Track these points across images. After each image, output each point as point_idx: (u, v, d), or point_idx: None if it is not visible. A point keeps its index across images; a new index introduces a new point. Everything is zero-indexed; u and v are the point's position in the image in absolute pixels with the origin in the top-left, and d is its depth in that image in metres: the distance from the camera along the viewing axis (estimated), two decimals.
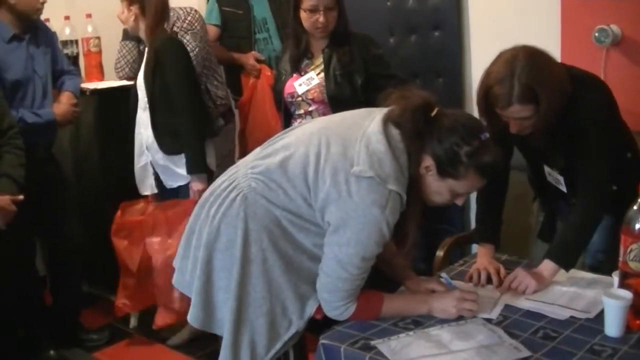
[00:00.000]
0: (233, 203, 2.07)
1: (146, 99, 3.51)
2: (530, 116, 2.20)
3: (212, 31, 4.15)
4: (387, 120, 2.02)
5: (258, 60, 4.11)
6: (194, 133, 3.48)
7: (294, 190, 2.03)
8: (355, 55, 3.26)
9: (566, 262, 2.32)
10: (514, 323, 2.07)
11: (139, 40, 3.83)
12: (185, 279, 2.21)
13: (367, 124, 2.04)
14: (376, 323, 2.10)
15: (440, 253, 2.94)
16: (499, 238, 2.56)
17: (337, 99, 3.26)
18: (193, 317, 2.14)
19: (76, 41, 4.11)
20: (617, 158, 2.38)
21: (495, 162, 2.02)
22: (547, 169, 2.52)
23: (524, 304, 2.20)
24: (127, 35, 3.93)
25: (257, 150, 2.21)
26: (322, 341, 2.05)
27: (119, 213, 3.65)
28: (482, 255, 2.48)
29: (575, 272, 2.37)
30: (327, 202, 1.99)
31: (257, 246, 2.05)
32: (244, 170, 2.13)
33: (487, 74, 2.24)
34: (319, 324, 2.17)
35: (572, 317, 2.08)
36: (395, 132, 2.00)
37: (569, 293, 2.24)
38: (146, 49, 3.53)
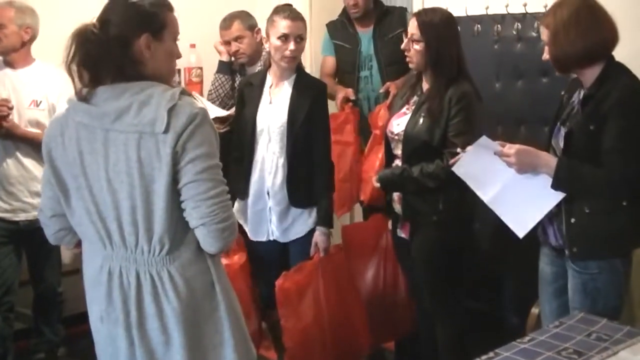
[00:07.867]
0: None
1: (283, 144, 3.28)
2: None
3: (330, 62, 4.19)
4: None
5: (348, 100, 3.93)
6: (330, 185, 3.36)
7: None
8: (447, 108, 3.02)
9: (564, 175, 2.41)
10: None
11: (232, 75, 3.85)
12: None
13: None
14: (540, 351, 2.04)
15: (535, 310, 2.76)
16: None
17: (410, 137, 3.09)
18: None
19: (179, 70, 4.15)
20: None
21: None
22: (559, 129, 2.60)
23: None
24: (222, 68, 3.96)
25: None
26: None
27: None
28: None
29: None
30: None
31: None
32: None
33: None
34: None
35: None
36: None
37: None
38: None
